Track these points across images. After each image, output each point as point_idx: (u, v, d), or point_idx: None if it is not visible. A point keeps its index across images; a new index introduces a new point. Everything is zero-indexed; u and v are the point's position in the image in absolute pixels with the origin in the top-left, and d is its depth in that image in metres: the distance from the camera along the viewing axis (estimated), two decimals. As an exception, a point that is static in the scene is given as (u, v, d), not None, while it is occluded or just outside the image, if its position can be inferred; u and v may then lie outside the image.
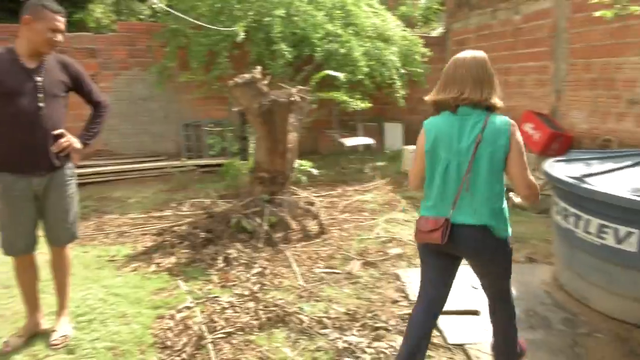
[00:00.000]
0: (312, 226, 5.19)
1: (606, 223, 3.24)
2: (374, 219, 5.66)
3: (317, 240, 4.95)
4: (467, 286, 3.83)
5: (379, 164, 8.49)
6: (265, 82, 5.20)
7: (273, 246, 4.69)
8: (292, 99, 5.08)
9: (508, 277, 2.51)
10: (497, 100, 2.31)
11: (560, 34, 6.54)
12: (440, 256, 2.46)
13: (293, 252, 4.63)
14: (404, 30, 9.02)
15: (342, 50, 7.67)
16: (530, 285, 3.92)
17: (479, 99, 2.27)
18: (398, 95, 8.42)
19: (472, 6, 9.08)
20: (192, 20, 6.77)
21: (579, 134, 6.32)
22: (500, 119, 2.27)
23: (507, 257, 2.42)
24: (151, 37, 8.15)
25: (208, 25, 7.05)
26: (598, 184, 3.31)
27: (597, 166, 3.69)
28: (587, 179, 3.41)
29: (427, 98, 2.46)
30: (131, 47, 8.29)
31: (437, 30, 11.36)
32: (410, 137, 9.75)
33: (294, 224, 5.10)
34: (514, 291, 2.72)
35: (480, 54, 2.35)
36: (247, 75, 5.07)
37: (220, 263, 4.27)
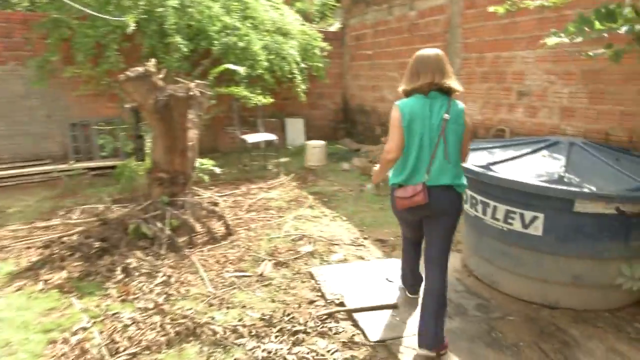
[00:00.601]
0: (218, 228, 4.94)
1: (513, 209, 3.35)
2: (281, 216, 5.51)
3: (224, 242, 4.71)
4: (382, 280, 3.80)
5: (283, 160, 8.35)
6: (161, 76, 4.86)
7: (177, 251, 4.38)
8: (191, 93, 4.79)
9: (452, 237, 2.94)
10: (456, 85, 2.84)
11: (454, 29, 6.77)
12: (414, 220, 3.05)
13: (199, 256, 4.35)
14: (303, 25, 8.96)
15: (241, 44, 7.46)
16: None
17: (444, 83, 2.79)
18: (299, 89, 8.39)
19: (368, 2, 9.19)
20: (78, 7, 6.16)
21: (474, 125, 6.59)
22: (458, 103, 2.86)
23: (460, 212, 2.93)
24: (30, 28, 7.35)
25: (95, 13, 6.46)
26: (503, 172, 3.40)
27: (499, 154, 3.80)
28: (492, 167, 3.50)
29: (402, 88, 2.91)
30: (6, 39, 7.41)
31: (334, 26, 11.41)
32: (311, 131, 9.74)
33: (198, 227, 4.82)
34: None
35: (438, 50, 2.88)
36: (140, 69, 4.70)
37: (118, 274, 3.90)
